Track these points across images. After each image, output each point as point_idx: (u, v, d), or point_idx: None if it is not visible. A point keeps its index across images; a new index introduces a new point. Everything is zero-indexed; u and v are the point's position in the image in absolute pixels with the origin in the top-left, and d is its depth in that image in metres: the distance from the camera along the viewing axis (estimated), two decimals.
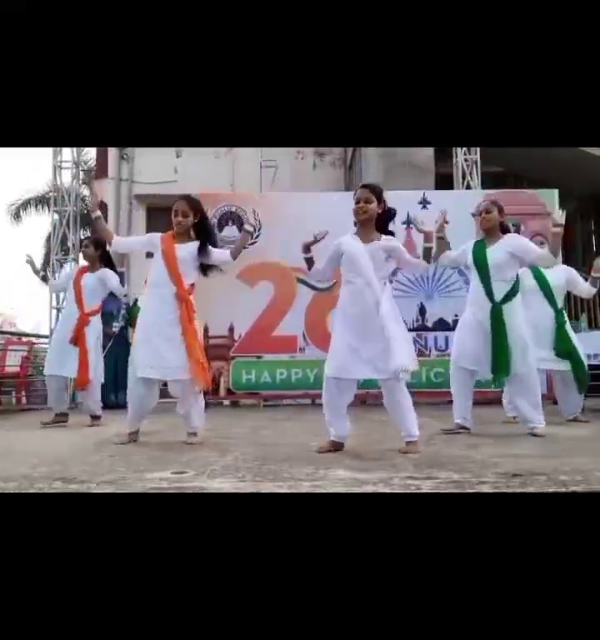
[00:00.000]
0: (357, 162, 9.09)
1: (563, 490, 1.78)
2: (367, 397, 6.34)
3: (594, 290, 4.44)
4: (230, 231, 6.76)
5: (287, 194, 7.94)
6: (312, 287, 6.50)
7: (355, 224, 2.97)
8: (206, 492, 1.85)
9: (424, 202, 6.57)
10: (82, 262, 5.06)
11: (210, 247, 3.29)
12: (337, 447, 2.81)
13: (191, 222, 3.27)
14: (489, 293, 3.53)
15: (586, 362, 4.38)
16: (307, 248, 2.99)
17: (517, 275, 3.64)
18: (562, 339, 4.29)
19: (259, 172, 9.58)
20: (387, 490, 1.83)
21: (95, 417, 4.56)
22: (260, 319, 6.58)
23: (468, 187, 7.69)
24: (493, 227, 3.64)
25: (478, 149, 7.76)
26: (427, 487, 1.86)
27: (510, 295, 3.53)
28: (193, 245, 3.27)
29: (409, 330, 6.52)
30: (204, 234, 3.31)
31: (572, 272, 4.56)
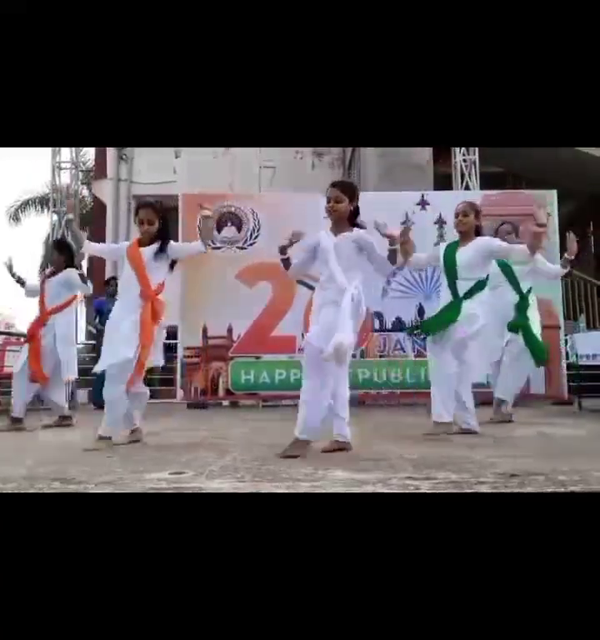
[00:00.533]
0: (355, 163, 9.10)
1: (562, 490, 1.78)
2: (367, 398, 6.45)
3: (563, 271, 4.39)
4: (228, 231, 6.77)
5: (286, 194, 7.95)
6: (311, 288, 6.51)
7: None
8: (205, 492, 1.85)
9: (423, 203, 6.59)
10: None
11: (171, 244, 3.36)
12: (341, 446, 2.77)
13: (156, 228, 3.34)
14: (454, 293, 3.52)
15: (541, 338, 4.39)
16: (283, 250, 3.01)
17: (488, 276, 3.61)
18: (517, 315, 4.34)
19: (258, 173, 9.59)
20: (386, 490, 1.83)
21: (64, 418, 4.49)
22: (259, 319, 6.59)
23: (467, 188, 7.71)
24: (469, 230, 3.63)
25: (477, 149, 7.78)
26: (425, 487, 1.86)
27: (474, 290, 3.49)
28: (157, 247, 3.34)
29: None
30: (163, 237, 3.36)
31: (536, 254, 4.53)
